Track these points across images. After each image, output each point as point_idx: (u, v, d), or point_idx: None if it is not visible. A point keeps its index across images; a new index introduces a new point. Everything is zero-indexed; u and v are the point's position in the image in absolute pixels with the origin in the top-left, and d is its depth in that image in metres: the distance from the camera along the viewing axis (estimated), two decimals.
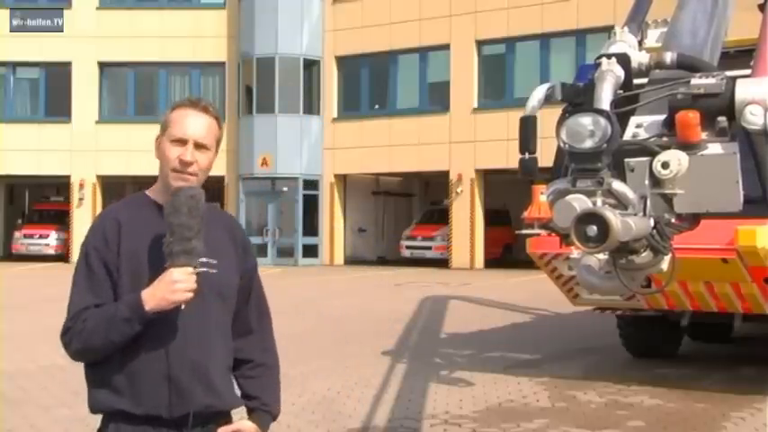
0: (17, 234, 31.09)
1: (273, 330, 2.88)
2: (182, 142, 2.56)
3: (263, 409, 2.75)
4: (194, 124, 2.57)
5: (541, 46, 26.63)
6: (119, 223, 2.56)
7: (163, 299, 2.45)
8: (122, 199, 2.75)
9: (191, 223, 2.46)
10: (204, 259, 2.52)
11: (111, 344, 2.48)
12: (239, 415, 2.74)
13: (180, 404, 2.51)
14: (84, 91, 30.30)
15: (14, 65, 31.41)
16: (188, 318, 2.51)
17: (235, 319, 2.70)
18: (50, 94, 31.63)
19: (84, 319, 2.49)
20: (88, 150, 30.08)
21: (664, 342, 10.03)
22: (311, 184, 29.90)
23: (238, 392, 2.76)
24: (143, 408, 2.50)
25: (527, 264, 11.65)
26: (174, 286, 2.44)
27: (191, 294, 2.47)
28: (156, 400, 2.50)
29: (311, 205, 29.91)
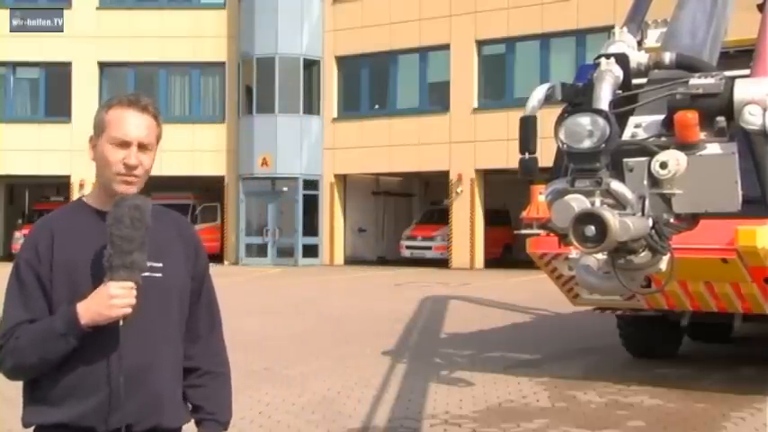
0: (17, 234, 31.02)
1: (224, 337, 2.74)
2: (125, 144, 2.43)
3: (209, 419, 2.62)
4: (136, 125, 2.45)
5: (541, 46, 26.62)
6: (51, 234, 2.43)
7: (98, 314, 2.32)
8: (60, 207, 2.62)
9: (133, 235, 2.32)
10: (148, 263, 2.39)
11: (46, 361, 2.36)
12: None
13: (118, 416, 2.38)
14: (84, 91, 30.28)
15: (14, 65, 31.40)
16: (130, 325, 2.37)
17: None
18: (50, 94, 31.63)
19: (16, 336, 2.36)
20: (88, 150, 30.03)
21: (664, 342, 10.02)
22: (311, 184, 29.90)
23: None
24: (79, 419, 2.38)
25: (527, 264, 11.64)
26: (110, 301, 2.32)
27: (129, 310, 2.34)
28: (93, 412, 2.38)
29: (311, 205, 29.90)
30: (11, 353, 2.37)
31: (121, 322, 2.36)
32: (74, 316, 2.33)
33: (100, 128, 2.48)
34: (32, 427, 2.48)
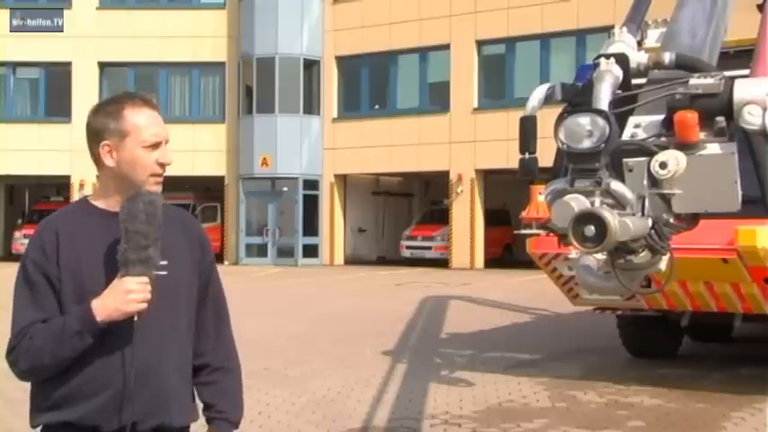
0: (17, 234, 31.04)
1: (233, 332, 2.72)
2: (156, 145, 2.45)
3: (220, 417, 2.61)
4: (160, 124, 2.48)
5: (541, 46, 26.63)
6: (56, 234, 2.41)
7: (116, 309, 2.33)
8: (64, 207, 2.61)
9: (147, 231, 2.33)
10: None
11: (61, 360, 2.35)
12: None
13: (125, 414, 2.38)
14: (84, 91, 30.23)
15: (14, 65, 31.40)
16: (140, 324, 2.37)
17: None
18: (50, 94, 31.62)
19: (30, 335, 2.35)
20: (88, 150, 30.01)
21: (664, 342, 10.02)
22: (311, 184, 29.89)
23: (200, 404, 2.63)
24: (85, 418, 2.37)
25: (527, 264, 11.65)
26: (127, 296, 2.32)
27: (144, 305, 2.35)
28: (100, 410, 2.37)
29: (311, 205, 29.90)
30: (26, 353, 2.36)
31: (136, 318, 2.36)
32: (89, 313, 2.33)
33: (120, 132, 2.43)
34: (39, 428, 2.47)
